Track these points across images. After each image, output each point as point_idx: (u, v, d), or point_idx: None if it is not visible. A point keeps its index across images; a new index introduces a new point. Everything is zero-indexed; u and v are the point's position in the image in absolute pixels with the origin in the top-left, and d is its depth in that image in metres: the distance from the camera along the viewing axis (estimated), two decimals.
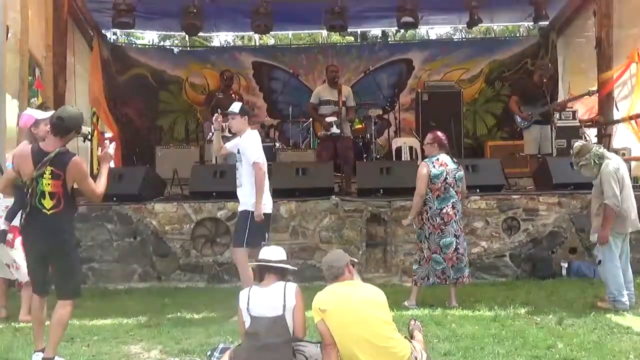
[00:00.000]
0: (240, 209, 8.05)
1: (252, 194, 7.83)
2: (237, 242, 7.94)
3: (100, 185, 6.16)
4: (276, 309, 5.43)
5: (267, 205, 7.95)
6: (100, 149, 6.14)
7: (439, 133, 8.63)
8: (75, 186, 6.07)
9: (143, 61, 16.78)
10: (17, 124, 10.85)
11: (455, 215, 8.33)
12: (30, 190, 5.92)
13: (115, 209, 10.33)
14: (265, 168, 7.97)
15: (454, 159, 8.51)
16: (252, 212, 7.78)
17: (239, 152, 8.05)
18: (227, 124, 8.25)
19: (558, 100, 13.60)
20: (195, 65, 16.92)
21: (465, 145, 14.11)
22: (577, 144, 8.45)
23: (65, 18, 12.84)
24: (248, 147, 7.99)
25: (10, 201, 7.36)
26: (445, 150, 8.50)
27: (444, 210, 8.27)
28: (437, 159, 8.36)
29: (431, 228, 8.28)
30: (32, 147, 6.11)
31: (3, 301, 8.34)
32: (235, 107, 8.14)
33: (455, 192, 8.34)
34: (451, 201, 8.31)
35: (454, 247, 8.29)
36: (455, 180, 8.35)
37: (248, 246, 7.73)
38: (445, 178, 8.30)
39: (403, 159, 13.15)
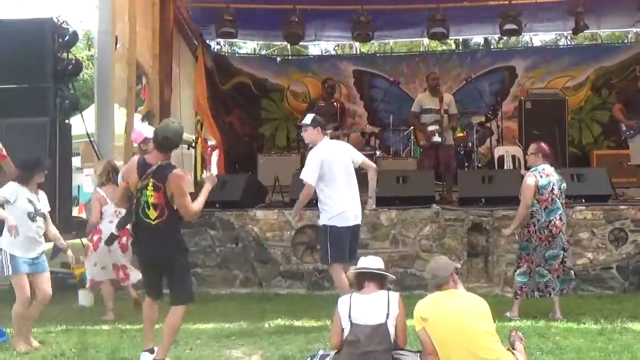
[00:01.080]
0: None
1: (324, 209, 7.82)
2: (323, 260, 8.01)
3: (197, 204, 6.27)
4: (379, 317, 5.42)
5: (343, 218, 7.77)
6: (207, 171, 6.28)
7: (542, 144, 8.49)
8: None
9: (245, 70, 17.06)
10: (125, 131, 11.26)
11: (563, 227, 8.18)
12: (135, 201, 6.13)
13: (217, 216, 10.51)
14: (309, 185, 7.81)
15: (558, 170, 8.34)
16: (329, 227, 7.72)
17: None
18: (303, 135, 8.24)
19: None
20: (297, 74, 17.10)
21: (570, 154, 13.82)
22: None
23: (171, 28, 13.19)
24: (306, 163, 8.03)
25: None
26: (549, 161, 8.33)
27: (552, 222, 8.10)
28: (543, 169, 8.21)
29: (538, 241, 8.10)
30: (139, 159, 6.32)
31: (111, 304, 8.59)
32: (307, 119, 8.13)
33: (561, 203, 8.18)
34: (558, 213, 8.14)
35: (561, 259, 8.13)
36: (561, 192, 8.20)
37: (334, 261, 7.67)
38: (552, 189, 8.14)
39: (505, 167, 12.93)
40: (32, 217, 7.03)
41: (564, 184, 8.28)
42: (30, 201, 7.06)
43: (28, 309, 7.04)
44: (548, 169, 8.24)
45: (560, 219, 8.15)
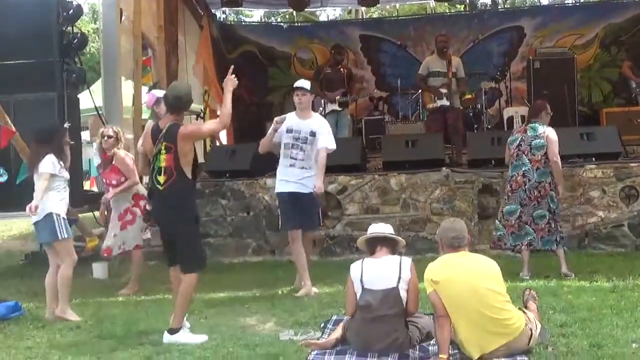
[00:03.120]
0: (306, 191, 8.04)
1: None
2: (317, 224, 8.47)
3: (223, 116, 6.27)
4: (391, 281, 5.44)
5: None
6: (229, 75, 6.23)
7: (537, 101, 8.55)
8: (194, 159, 6.24)
9: (252, 38, 16.98)
10: (133, 103, 11.25)
11: (525, 184, 8.17)
12: (152, 167, 6.19)
13: (228, 185, 10.54)
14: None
15: (540, 126, 8.24)
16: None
17: (311, 134, 8.02)
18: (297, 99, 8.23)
19: None
20: (303, 41, 17.01)
21: (580, 113, 13.69)
22: None
23: None
24: (328, 131, 8.18)
25: None
26: (535, 119, 8.34)
27: (513, 178, 8.26)
28: (521, 126, 8.34)
29: (527, 200, 8.24)
30: (153, 125, 6.37)
31: (136, 274, 8.64)
32: (307, 84, 8.21)
33: (528, 160, 8.16)
34: (522, 169, 8.19)
35: (517, 214, 8.19)
36: (531, 148, 8.16)
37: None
38: (519, 145, 8.20)
39: (515, 128, 12.89)
40: (69, 184, 7.29)
41: (537, 141, 8.15)
42: (64, 169, 7.28)
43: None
44: (530, 125, 8.31)
45: (524, 175, 8.17)
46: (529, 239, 8.25)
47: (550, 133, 8.17)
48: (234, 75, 6.35)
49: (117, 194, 8.38)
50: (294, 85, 8.24)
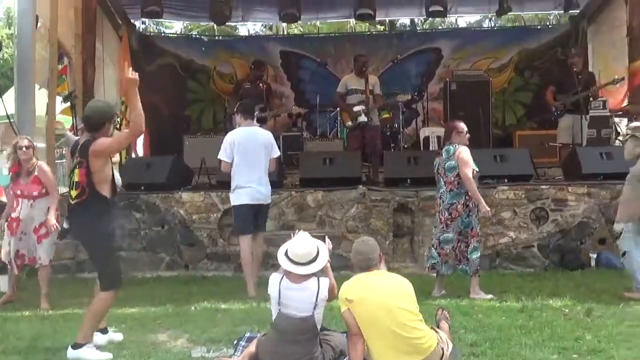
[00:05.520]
0: (267, 202, 8.94)
1: None
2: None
3: (134, 123, 6.02)
4: (307, 308, 5.36)
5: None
6: (129, 73, 5.99)
7: (447, 123, 8.67)
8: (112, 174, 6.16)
9: (171, 50, 16.85)
10: (46, 112, 10.99)
11: (440, 206, 8.31)
12: (70, 181, 6.15)
13: (143, 198, 10.40)
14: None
15: (452, 148, 8.25)
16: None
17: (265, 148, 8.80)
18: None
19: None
20: (224, 55, 16.96)
21: (494, 135, 13.97)
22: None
23: (94, 7, 12.91)
24: (274, 142, 8.97)
25: None
26: (449, 141, 8.39)
27: (436, 201, 8.47)
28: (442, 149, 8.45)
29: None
30: (75, 141, 6.29)
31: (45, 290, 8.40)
32: None
33: (444, 182, 8.26)
34: (439, 191, 8.34)
35: (453, 243, 8.21)
36: (445, 170, 8.25)
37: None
38: (437, 168, 8.34)
39: (431, 148, 13.05)
40: None
41: (450, 163, 8.19)
42: None
43: None
44: (445, 148, 8.37)
45: (440, 197, 8.32)
46: (432, 262, 8.34)
47: (461, 153, 8.14)
48: (135, 73, 6.10)
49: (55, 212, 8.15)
50: None
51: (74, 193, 6.02)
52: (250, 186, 8.68)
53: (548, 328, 6.61)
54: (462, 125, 8.40)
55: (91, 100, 6.72)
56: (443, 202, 8.24)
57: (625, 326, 6.72)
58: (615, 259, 9.66)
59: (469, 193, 8.10)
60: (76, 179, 6.00)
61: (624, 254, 8.08)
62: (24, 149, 8.25)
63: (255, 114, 9.20)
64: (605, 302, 7.69)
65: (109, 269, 6.21)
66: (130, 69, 6.16)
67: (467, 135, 8.39)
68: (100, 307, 6.13)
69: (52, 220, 7.97)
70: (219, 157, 8.82)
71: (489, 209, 8.27)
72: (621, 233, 8.09)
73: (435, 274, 8.43)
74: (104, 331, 6.44)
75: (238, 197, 8.74)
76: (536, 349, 5.96)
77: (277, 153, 9.10)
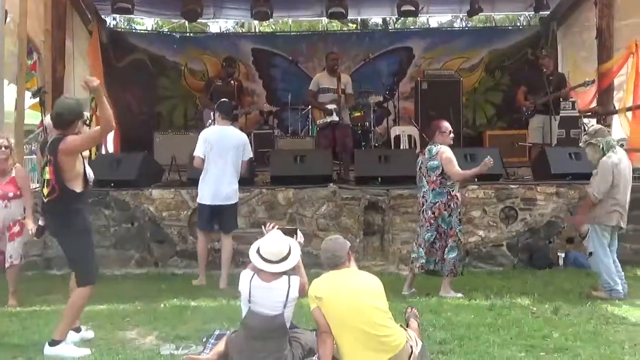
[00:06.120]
0: (231, 202, 9.09)
1: None
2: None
3: (104, 121, 5.96)
4: (277, 307, 5.35)
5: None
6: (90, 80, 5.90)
7: (432, 122, 8.65)
8: (84, 170, 6.14)
9: (142, 47, 16.68)
10: (15, 108, 10.88)
11: (423, 205, 8.34)
12: (42, 179, 6.15)
13: (112, 195, 10.33)
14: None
15: (435, 147, 8.30)
16: None
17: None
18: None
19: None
20: (195, 52, 16.85)
21: (465, 135, 14.03)
22: (598, 125, 8.61)
23: (64, 2, 12.81)
24: (247, 143, 9.14)
25: None
26: (432, 141, 8.45)
27: (418, 200, 8.49)
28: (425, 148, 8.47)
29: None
30: (44, 139, 6.26)
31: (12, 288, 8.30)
32: None
33: (426, 181, 8.31)
34: (422, 190, 8.36)
35: (432, 240, 8.28)
36: (427, 170, 8.29)
37: None
38: (420, 167, 8.38)
39: (402, 147, 13.12)
40: None
41: (432, 162, 8.23)
42: None
43: None
44: (428, 148, 8.42)
45: (423, 197, 8.35)
46: (421, 262, 8.33)
47: (444, 153, 8.19)
48: (94, 78, 6.03)
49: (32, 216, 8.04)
50: None
51: (45, 191, 6.04)
52: (213, 186, 8.90)
53: (516, 326, 6.68)
54: (446, 125, 8.43)
55: (61, 96, 6.66)
56: (426, 201, 8.28)
57: (592, 324, 6.80)
58: (582, 258, 9.77)
59: (465, 181, 8.28)
60: (47, 176, 6.01)
61: (590, 254, 8.18)
62: (2, 148, 8.03)
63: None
64: (573, 301, 7.79)
65: (85, 264, 6.21)
66: (88, 75, 6.15)
67: (451, 135, 8.44)
68: (80, 302, 6.15)
69: (30, 224, 7.86)
70: (194, 153, 9.02)
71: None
72: (587, 233, 8.19)
73: (412, 273, 8.45)
74: (78, 330, 6.43)
75: (200, 196, 9.10)
76: (504, 347, 6.03)
77: (249, 155, 9.18)
